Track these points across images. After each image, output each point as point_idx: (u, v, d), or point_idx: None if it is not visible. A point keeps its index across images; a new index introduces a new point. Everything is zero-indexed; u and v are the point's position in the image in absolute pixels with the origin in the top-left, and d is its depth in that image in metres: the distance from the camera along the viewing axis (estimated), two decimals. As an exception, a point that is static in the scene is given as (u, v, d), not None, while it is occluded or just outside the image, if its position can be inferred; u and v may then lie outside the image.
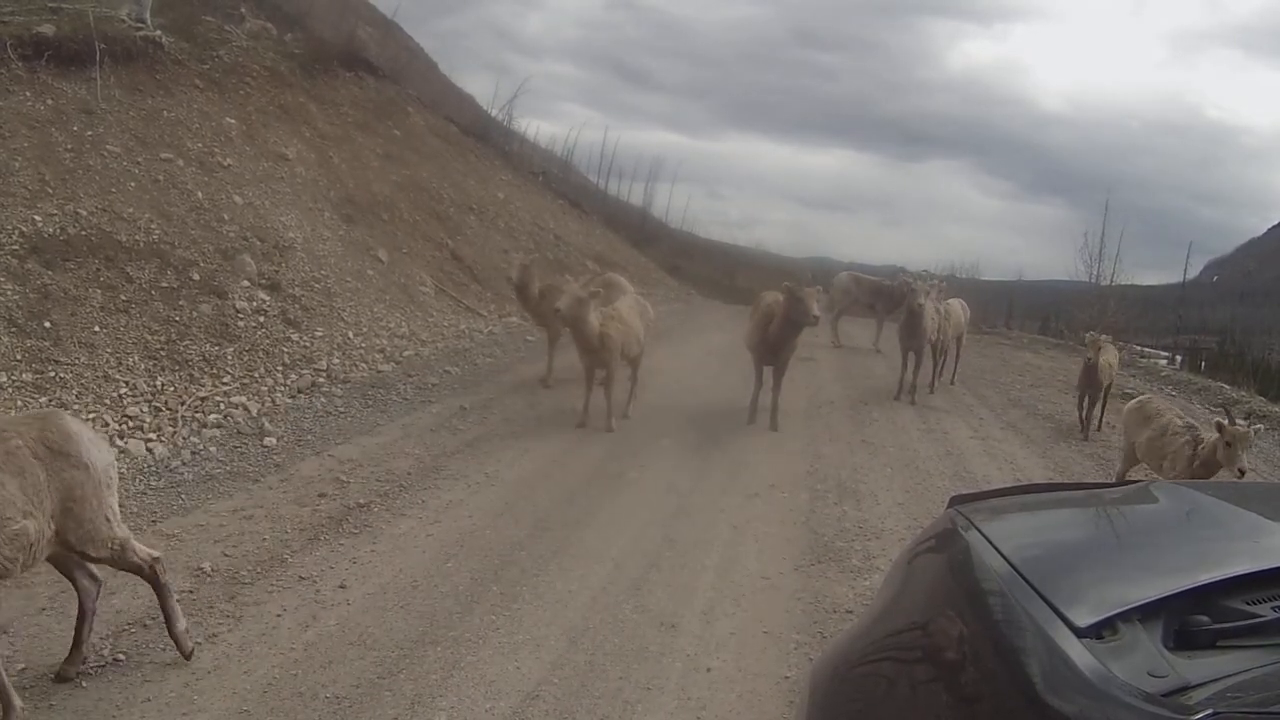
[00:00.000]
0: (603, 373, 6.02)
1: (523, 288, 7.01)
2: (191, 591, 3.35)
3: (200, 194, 6.88)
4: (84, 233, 5.72)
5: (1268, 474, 6.10)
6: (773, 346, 6.27)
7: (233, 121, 8.06)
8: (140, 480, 4.32)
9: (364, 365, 6.66)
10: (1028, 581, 1.12)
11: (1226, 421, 4.45)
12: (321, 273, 7.37)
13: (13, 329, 4.84)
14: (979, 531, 1.33)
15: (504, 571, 3.74)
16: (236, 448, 4.90)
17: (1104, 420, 7.25)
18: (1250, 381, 9.83)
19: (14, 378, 4.61)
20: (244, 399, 5.43)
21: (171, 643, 2.87)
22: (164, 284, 5.88)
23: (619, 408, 6.20)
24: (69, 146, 6.26)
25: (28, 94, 6.38)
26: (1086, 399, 7.09)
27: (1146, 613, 1.04)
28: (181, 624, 2.87)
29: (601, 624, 3.34)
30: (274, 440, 5.06)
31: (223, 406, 5.27)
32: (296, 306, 6.74)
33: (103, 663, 2.84)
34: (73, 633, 2.77)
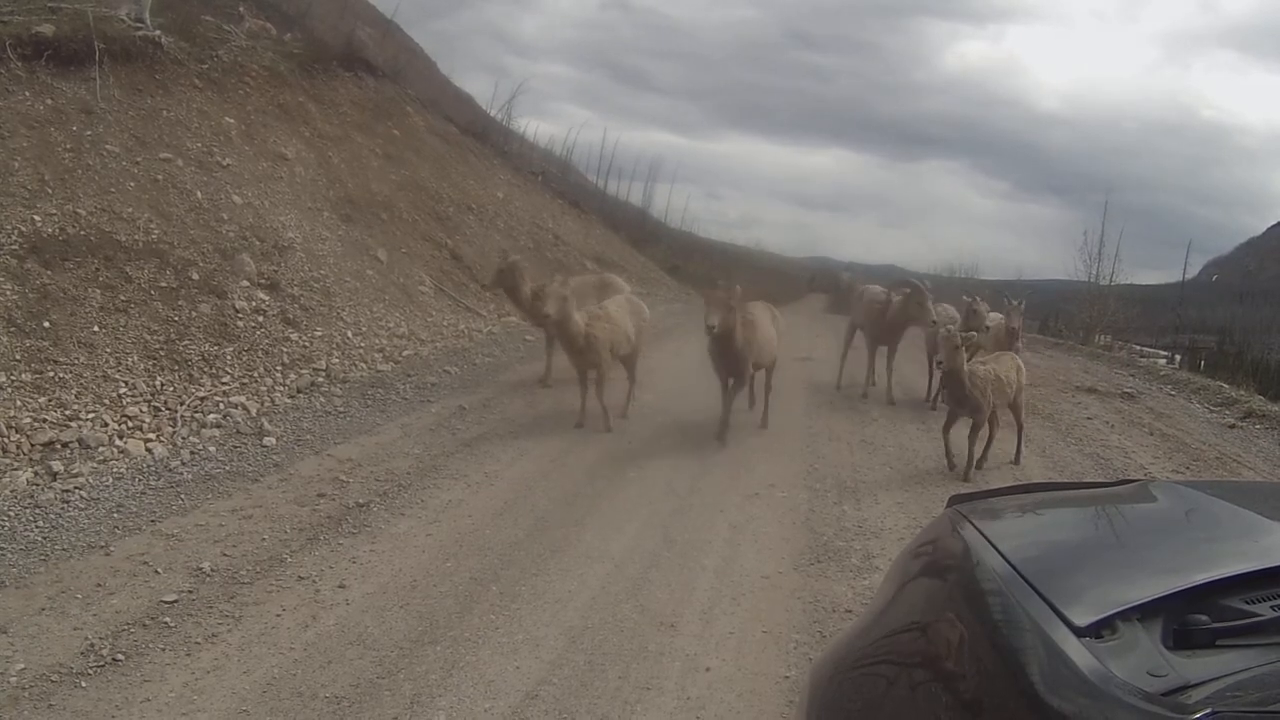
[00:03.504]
0: (595, 373, 6.00)
1: (512, 290, 6.88)
2: (191, 591, 3.35)
3: (199, 194, 6.88)
4: (83, 233, 5.71)
5: (1268, 473, 6.10)
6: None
7: (232, 121, 8.06)
8: (139, 480, 4.32)
9: (363, 365, 6.66)
10: (1027, 581, 1.12)
11: None
12: (321, 272, 7.37)
13: (12, 329, 4.84)
14: (978, 531, 1.33)
15: (503, 571, 3.74)
16: (236, 447, 4.90)
17: (1020, 452, 5.89)
18: (1250, 381, 9.82)
19: (13, 378, 4.60)
20: (243, 399, 5.43)
21: (171, 643, 2.87)
22: (163, 284, 5.88)
23: (615, 408, 6.18)
24: (68, 146, 6.25)
25: (27, 94, 6.38)
26: (957, 424, 5.58)
27: (1146, 612, 1.04)
28: None
29: (601, 623, 3.34)
30: (273, 440, 5.06)
31: (222, 406, 5.27)
32: (296, 306, 6.74)
33: (102, 662, 2.84)
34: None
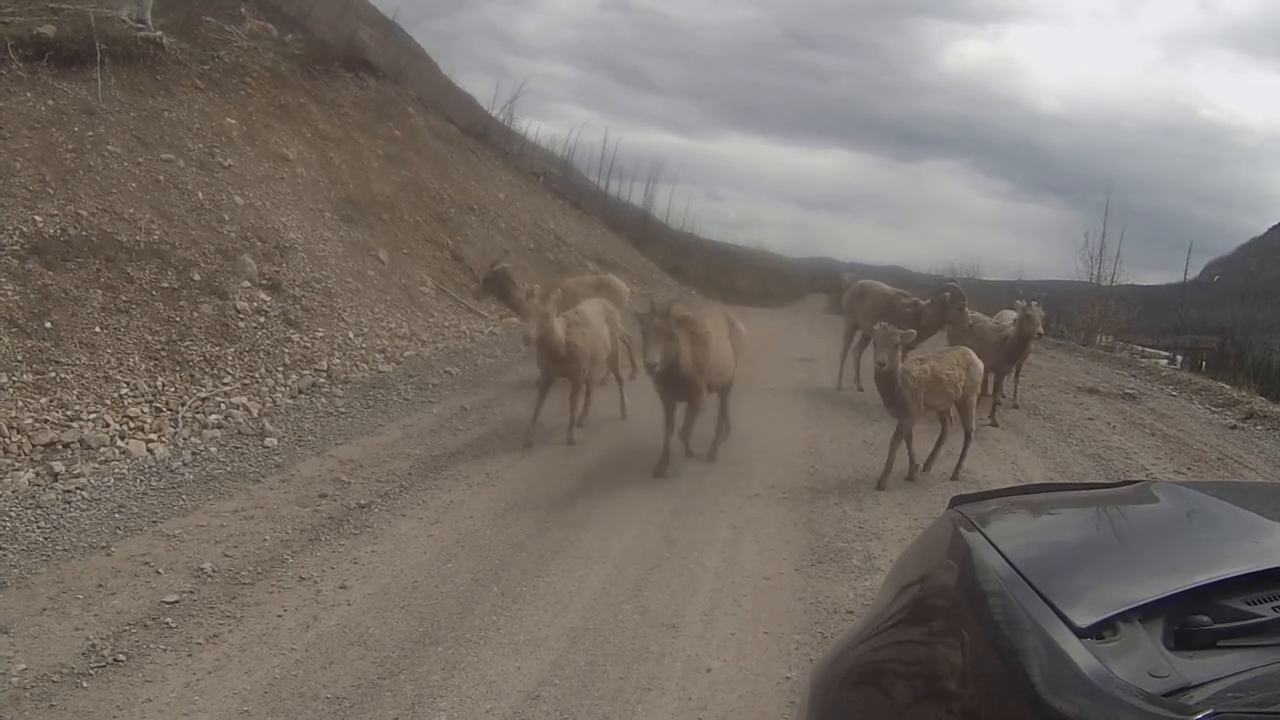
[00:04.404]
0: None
1: (504, 296, 6.80)
2: (192, 592, 3.35)
3: (201, 194, 6.89)
4: (85, 233, 5.72)
5: (1269, 474, 6.09)
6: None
7: (233, 122, 8.06)
8: (141, 481, 4.33)
9: (365, 365, 6.67)
10: (1028, 582, 1.12)
11: None
12: (322, 273, 7.37)
13: (13, 329, 4.85)
14: (979, 532, 1.33)
15: (504, 572, 3.74)
16: (237, 448, 4.90)
17: (961, 465, 5.42)
18: (1251, 381, 9.79)
19: (15, 378, 4.61)
20: (245, 399, 5.43)
21: (172, 643, 2.87)
22: (165, 284, 5.88)
23: (578, 417, 5.90)
24: (70, 147, 6.26)
25: (28, 95, 6.38)
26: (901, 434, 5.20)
27: (1147, 613, 1.04)
28: None
29: (602, 624, 3.34)
30: (275, 441, 5.06)
31: (223, 407, 5.27)
32: (297, 307, 6.75)
33: (103, 663, 2.84)
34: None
